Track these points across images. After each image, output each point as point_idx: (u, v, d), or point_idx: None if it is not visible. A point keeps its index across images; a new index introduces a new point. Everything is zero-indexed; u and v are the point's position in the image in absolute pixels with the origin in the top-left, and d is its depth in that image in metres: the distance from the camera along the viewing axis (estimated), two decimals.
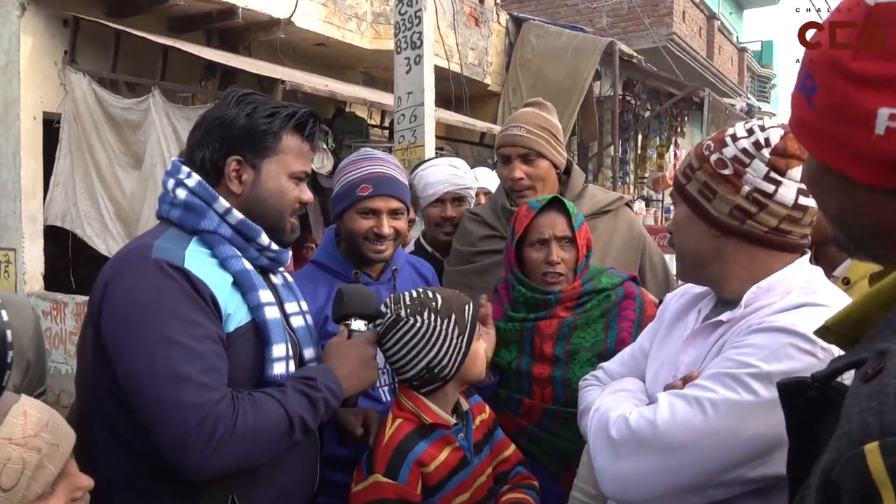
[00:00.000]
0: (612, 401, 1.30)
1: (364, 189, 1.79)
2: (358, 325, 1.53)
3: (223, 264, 1.37)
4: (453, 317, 1.52)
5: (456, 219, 2.50)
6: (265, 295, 1.40)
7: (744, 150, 1.19)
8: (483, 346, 1.63)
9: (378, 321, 1.55)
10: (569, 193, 2.25)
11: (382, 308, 1.53)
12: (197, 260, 1.34)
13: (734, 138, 1.21)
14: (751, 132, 1.20)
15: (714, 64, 14.51)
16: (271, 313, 1.39)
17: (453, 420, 1.54)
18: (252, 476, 1.35)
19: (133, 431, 1.29)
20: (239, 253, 1.40)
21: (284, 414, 1.30)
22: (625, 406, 1.25)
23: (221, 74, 5.48)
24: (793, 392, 0.76)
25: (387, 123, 7.65)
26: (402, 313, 1.51)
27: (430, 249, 2.59)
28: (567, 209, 1.82)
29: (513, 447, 1.69)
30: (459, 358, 1.52)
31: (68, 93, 5.39)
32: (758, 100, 17.85)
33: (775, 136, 1.18)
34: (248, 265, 1.41)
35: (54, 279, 5.74)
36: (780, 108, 22.54)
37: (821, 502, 0.62)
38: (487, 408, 1.69)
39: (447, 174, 2.56)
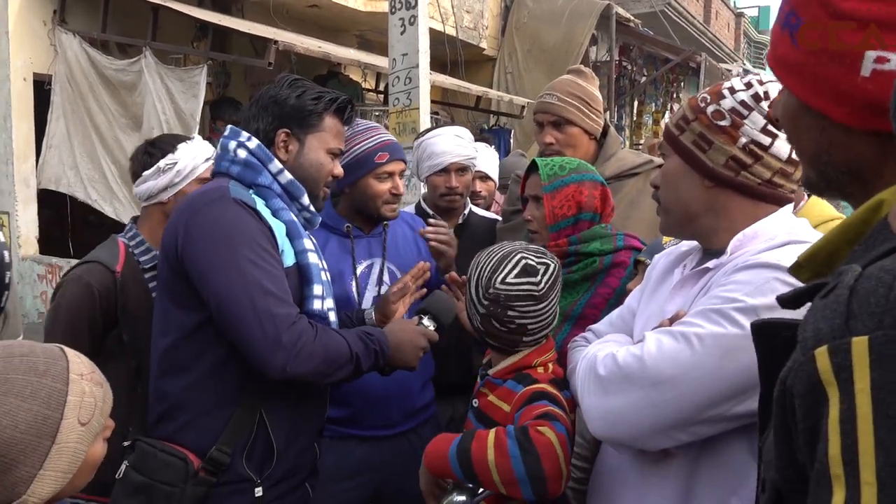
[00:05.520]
0: (599, 347, 1.33)
1: (381, 157, 2.03)
2: (429, 322, 1.76)
3: (275, 214, 1.61)
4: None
5: (460, 188, 2.59)
6: (308, 243, 1.65)
7: (742, 103, 1.20)
8: None
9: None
10: (601, 158, 2.32)
11: (549, 262, 1.57)
12: (260, 206, 1.59)
13: (732, 91, 1.22)
14: (749, 85, 1.22)
15: (711, 29, 14.38)
16: (313, 258, 1.64)
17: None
18: (281, 397, 1.58)
19: (192, 354, 1.55)
20: (287, 207, 1.64)
21: (347, 346, 1.55)
22: (612, 347, 1.27)
23: (213, 35, 5.41)
24: (766, 333, 0.77)
25: (381, 87, 7.59)
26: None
27: (429, 211, 2.67)
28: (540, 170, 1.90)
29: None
30: None
31: (59, 54, 5.32)
32: (754, 66, 17.73)
33: (774, 90, 1.20)
34: (294, 217, 1.65)
35: (50, 244, 5.74)
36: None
37: (778, 413, 0.64)
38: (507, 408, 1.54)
39: (453, 144, 2.61)
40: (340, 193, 2.12)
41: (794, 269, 0.76)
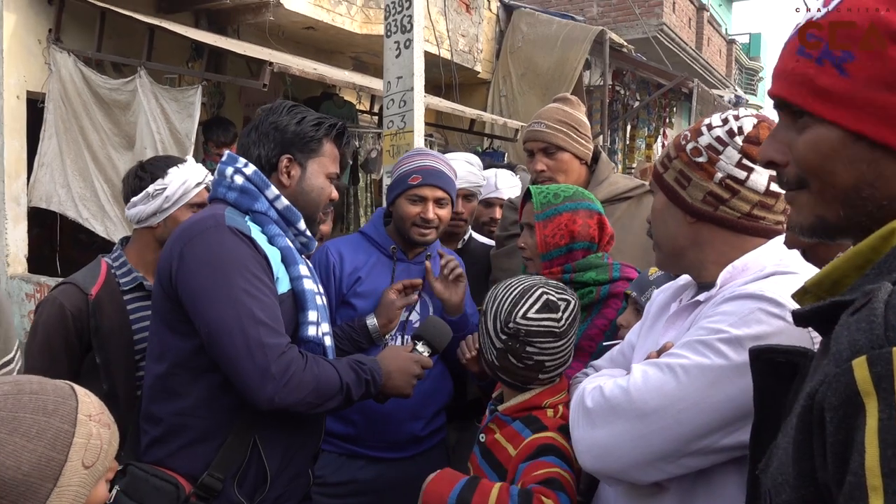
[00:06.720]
0: (590, 380, 1.33)
1: (414, 178, 2.08)
2: (423, 348, 1.78)
3: (271, 241, 1.62)
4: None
5: (465, 214, 2.62)
6: (303, 269, 1.66)
7: (717, 139, 1.22)
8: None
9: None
10: (593, 182, 2.34)
11: (570, 299, 1.54)
12: (256, 233, 1.59)
13: (709, 127, 1.24)
14: (725, 121, 1.24)
15: (703, 55, 14.56)
16: (308, 285, 1.65)
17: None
18: (275, 424, 1.57)
19: (187, 380, 1.53)
20: (283, 233, 1.65)
21: (338, 376, 1.55)
22: (601, 380, 1.27)
23: (209, 56, 5.44)
24: (763, 358, 0.78)
25: (376, 109, 7.64)
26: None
27: None
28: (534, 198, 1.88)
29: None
30: None
31: (53, 72, 5.33)
32: (745, 92, 17.92)
33: (748, 125, 1.22)
34: (290, 243, 1.66)
35: (39, 263, 5.70)
36: (767, 100, 22.62)
37: (801, 430, 0.63)
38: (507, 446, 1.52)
39: (464, 171, 2.66)
40: (389, 214, 2.20)
41: (799, 295, 0.76)
